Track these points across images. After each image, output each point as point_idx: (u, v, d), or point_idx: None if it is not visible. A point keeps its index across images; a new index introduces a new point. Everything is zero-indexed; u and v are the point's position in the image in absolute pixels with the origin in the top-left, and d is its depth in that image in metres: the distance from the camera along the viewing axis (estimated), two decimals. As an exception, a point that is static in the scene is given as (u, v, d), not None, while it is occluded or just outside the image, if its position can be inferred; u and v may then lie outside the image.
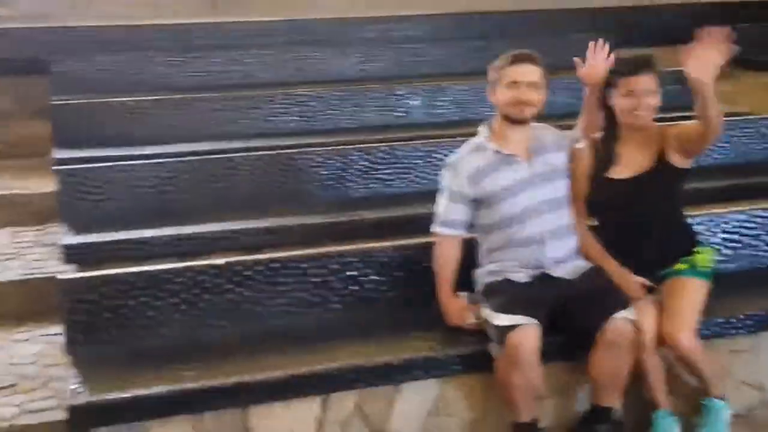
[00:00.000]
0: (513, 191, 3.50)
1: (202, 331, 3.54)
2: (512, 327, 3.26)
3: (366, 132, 5.95)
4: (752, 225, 4.13)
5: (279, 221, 4.61)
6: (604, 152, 3.65)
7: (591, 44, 3.66)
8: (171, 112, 5.98)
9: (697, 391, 3.64)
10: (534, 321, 3.27)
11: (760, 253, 4.14)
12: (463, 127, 4.96)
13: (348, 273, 3.72)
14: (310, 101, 6.17)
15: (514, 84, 3.49)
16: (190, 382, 3.19)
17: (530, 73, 3.51)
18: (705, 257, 3.64)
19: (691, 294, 3.52)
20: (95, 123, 5.83)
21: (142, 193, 4.78)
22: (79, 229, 4.51)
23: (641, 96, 3.53)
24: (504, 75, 3.51)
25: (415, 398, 3.45)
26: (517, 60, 3.52)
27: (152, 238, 4.41)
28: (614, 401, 3.48)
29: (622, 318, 3.32)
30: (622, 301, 3.39)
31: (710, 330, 3.65)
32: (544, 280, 3.49)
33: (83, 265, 4.33)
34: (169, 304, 3.52)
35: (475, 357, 3.41)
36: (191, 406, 3.19)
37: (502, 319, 3.31)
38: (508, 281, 3.50)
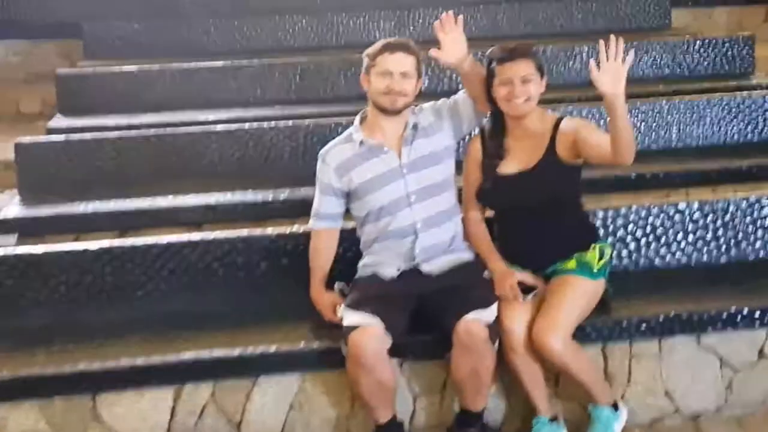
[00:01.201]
0: (381, 183, 3.35)
1: (78, 315, 3.58)
2: (355, 327, 3.14)
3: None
4: (668, 220, 3.81)
5: (222, 197, 4.57)
6: (492, 145, 3.43)
7: (438, 22, 3.32)
8: (174, 80, 6.02)
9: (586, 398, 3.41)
10: (377, 321, 3.13)
11: (677, 251, 3.82)
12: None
13: (231, 259, 3.66)
14: (311, 70, 6.09)
15: (387, 73, 3.31)
16: (39, 367, 3.24)
17: (403, 62, 3.32)
18: (595, 255, 3.38)
19: (570, 294, 3.28)
20: (98, 91, 5.93)
21: (101, 165, 4.83)
22: (31, 200, 4.63)
23: (516, 83, 3.29)
24: (377, 63, 3.34)
25: (273, 392, 3.39)
26: (390, 48, 3.34)
27: (91, 213, 4.46)
28: (478, 405, 3.31)
29: (472, 319, 3.14)
30: (479, 300, 3.20)
31: (602, 333, 3.42)
32: (411, 275, 3.34)
33: (23, 236, 4.47)
34: (48, 287, 3.58)
35: (336, 353, 3.30)
36: (38, 391, 3.25)
37: (348, 318, 3.20)
38: (373, 276, 3.37)
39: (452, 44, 3.29)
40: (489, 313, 3.19)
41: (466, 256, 3.42)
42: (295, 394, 3.41)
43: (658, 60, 6.12)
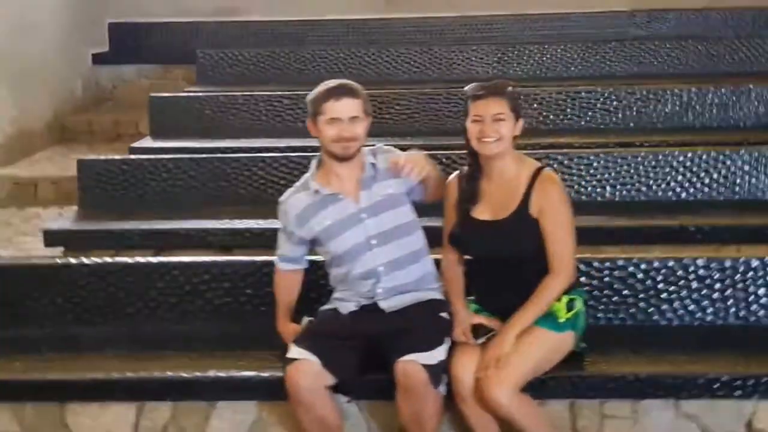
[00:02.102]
0: (340, 229, 3.30)
1: (70, 328, 3.73)
2: (292, 360, 3.13)
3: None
4: (672, 275, 3.56)
5: (253, 224, 4.69)
6: (466, 187, 3.34)
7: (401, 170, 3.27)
8: (257, 107, 6.23)
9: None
10: (313, 357, 3.11)
11: (679, 309, 3.57)
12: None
13: (218, 284, 3.74)
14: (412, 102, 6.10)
15: (336, 120, 3.27)
16: (12, 373, 3.43)
17: (351, 107, 3.26)
18: (562, 306, 3.21)
19: (525, 344, 3.13)
20: (184, 115, 6.24)
21: (154, 186, 5.07)
22: (85, 216, 4.93)
23: (487, 121, 3.19)
24: (324, 111, 3.27)
25: (230, 417, 3.42)
26: (335, 95, 3.26)
27: (130, 231, 4.70)
28: (425, 452, 3.20)
29: (410, 360, 3.05)
30: (423, 341, 3.11)
31: (566, 389, 3.25)
32: (368, 312, 3.29)
33: (68, 250, 4.75)
34: (45, 298, 3.77)
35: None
36: (11, 395, 3.43)
37: (290, 351, 3.19)
38: (333, 311, 3.35)
39: (413, 170, 3.21)
40: (430, 355, 3.09)
41: (431, 295, 3.34)
42: (252, 423, 3.43)
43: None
